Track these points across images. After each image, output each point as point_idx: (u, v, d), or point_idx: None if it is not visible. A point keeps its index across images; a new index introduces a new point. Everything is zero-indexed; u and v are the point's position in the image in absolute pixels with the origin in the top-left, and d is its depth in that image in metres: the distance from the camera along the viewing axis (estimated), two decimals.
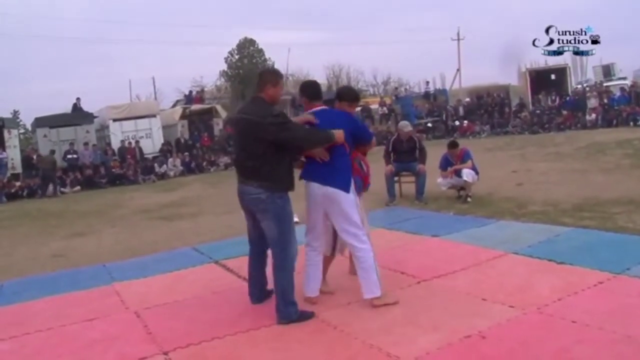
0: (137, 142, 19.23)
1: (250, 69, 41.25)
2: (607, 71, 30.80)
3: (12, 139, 17.58)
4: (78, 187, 16.62)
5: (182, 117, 21.71)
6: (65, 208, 12.46)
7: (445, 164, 8.07)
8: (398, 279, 4.31)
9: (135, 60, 46.66)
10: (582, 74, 37.69)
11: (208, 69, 65.26)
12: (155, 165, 18.38)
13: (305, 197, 3.85)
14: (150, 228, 8.47)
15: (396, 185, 8.56)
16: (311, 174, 3.77)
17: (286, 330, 3.47)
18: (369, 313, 3.66)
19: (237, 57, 42.17)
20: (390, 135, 9.54)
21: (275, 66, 42.01)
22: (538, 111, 22.13)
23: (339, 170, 3.74)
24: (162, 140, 20.07)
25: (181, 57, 57.38)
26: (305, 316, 3.61)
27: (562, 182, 8.73)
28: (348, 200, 3.73)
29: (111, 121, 19.07)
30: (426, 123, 23.78)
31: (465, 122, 22.85)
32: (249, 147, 3.55)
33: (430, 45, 63.68)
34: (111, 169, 17.42)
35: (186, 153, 19.65)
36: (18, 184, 15.91)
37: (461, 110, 24.19)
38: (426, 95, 27.46)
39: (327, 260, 4.20)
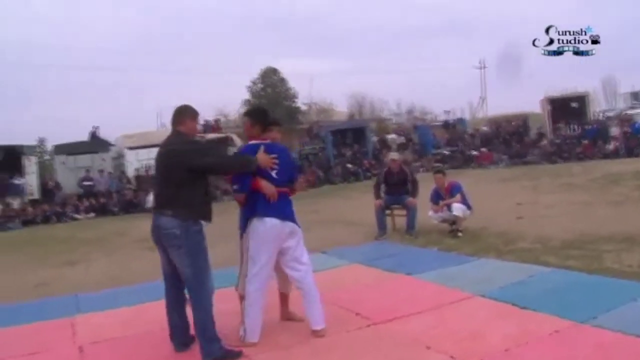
0: None
1: (273, 98, 41.84)
2: (636, 98, 30.01)
3: (31, 165, 18.06)
4: (92, 214, 16.88)
5: None
6: (71, 235, 12.61)
7: (436, 197, 7.87)
8: (349, 320, 4.14)
9: (160, 88, 47.86)
10: (611, 101, 36.82)
11: (232, 97, 66.32)
12: None
13: (256, 234, 3.78)
14: (142, 258, 8.44)
15: (389, 219, 8.38)
16: (268, 211, 3.75)
17: None
18: (307, 358, 3.50)
19: (260, 85, 42.72)
20: (383, 168, 9.36)
21: (299, 95, 42.71)
22: (557, 140, 21.61)
23: (292, 209, 3.95)
24: None
25: (205, 85, 58.40)
26: (232, 355, 3.51)
27: (563, 216, 8.38)
28: (302, 237, 3.95)
29: (127, 149, 19.44)
30: (443, 152, 23.47)
31: (483, 150, 22.45)
32: (167, 175, 3.61)
33: (459, 73, 63.13)
34: (124, 197, 17.63)
35: None
36: (30, 209, 16.26)
37: (478, 140, 23.83)
38: (445, 125, 27.21)
39: (286, 295, 4.30)
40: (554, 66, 37.22)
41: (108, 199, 17.63)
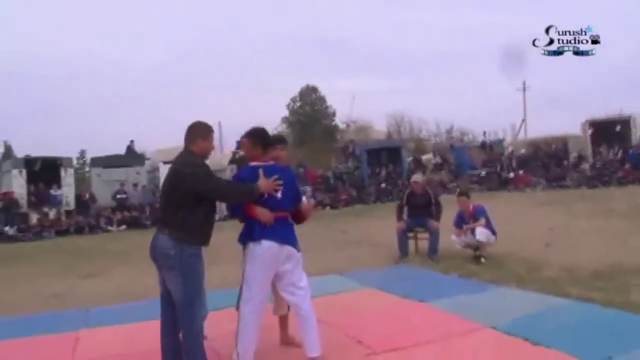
0: None
1: (311, 116, 42.09)
2: None
3: (68, 177, 18.60)
4: (124, 227, 17.19)
5: (231, 161, 22.09)
6: (100, 247, 12.85)
7: (460, 221, 7.59)
8: (350, 348, 3.97)
9: (203, 104, 48.85)
10: None
11: (271, 114, 67.30)
12: None
13: (252, 256, 3.66)
14: None
15: (411, 242, 8.14)
16: (264, 233, 3.63)
17: None
18: None
19: (299, 104, 43.06)
20: (406, 189, 9.05)
21: (337, 113, 42.79)
22: (598, 164, 20.80)
23: (293, 233, 3.81)
24: None
25: (245, 103, 59.33)
26: None
27: (595, 244, 7.94)
28: (301, 261, 3.81)
29: (161, 164, 19.74)
30: (479, 174, 22.93)
31: (521, 172, 21.80)
32: (169, 194, 3.51)
33: (502, 95, 61.71)
34: (156, 210, 17.88)
35: None
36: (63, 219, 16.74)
37: (514, 162, 23.20)
38: (482, 146, 26.60)
39: (285, 318, 4.19)
40: (605, 90, 36.02)
41: (140, 212, 17.95)
